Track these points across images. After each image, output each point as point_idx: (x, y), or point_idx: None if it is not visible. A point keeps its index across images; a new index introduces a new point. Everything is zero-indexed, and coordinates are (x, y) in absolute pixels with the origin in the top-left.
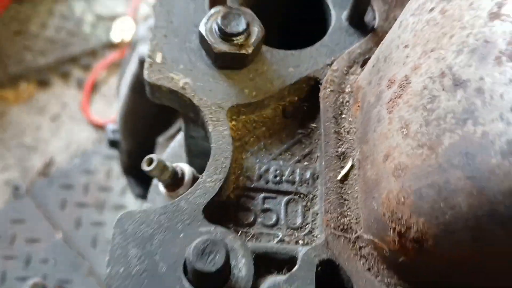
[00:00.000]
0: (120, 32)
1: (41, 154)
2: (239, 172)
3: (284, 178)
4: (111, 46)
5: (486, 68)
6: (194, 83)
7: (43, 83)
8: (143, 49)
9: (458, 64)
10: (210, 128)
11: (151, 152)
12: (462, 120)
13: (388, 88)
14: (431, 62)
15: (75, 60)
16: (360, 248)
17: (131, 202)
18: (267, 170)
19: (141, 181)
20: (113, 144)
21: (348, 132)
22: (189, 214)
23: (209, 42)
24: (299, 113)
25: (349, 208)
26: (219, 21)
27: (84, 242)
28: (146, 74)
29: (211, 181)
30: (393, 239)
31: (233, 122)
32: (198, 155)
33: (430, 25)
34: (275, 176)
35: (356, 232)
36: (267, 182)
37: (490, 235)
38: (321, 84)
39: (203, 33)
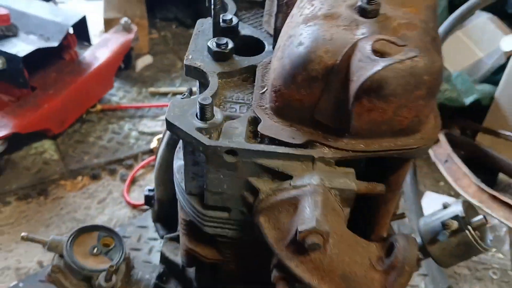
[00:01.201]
0: (156, 142)
1: None
2: (220, 95)
3: (240, 98)
4: (149, 152)
5: (296, 28)
6: (204, 65)
7: (95, 177)
8: None
9: (290, 31)
10: (209, 79)
11: (175, 200)
12: (289, 46)
13: (276, 51)
14: (286, 36)
15: (120, 161)
16: (266, 111)
17: (156, 259)
18: (233, 96)
19: (165, 226)
20: (147, 199)
21: (267, 79)
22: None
23: (211, 47)
24: (249, 79)
25: (263, 100)
26: (215, 40)
27: None
28: (185, 61)
29: (208, 93)
30: (273, 96)
31: (219, 81)
32: None
33: (287, 25)
34: (236, 98)
35: (265, 106)
36: (232, 99)
37: (295, 74)
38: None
39: (209, 44)
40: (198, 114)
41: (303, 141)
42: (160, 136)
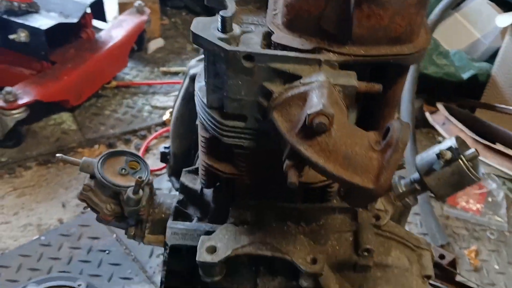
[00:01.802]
0: (169, 115)
1: None
2: (238, 18)
3: (254, 20)
4: (162, 124)
5: None
6: None
7: (111, 146)
8: (193, 71)
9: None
10: (228, 4)
11: (190, 154)
12: None
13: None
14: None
15: (135, 132)
16: (279, 26)
17: None
18: (248, 18)
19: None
20: (163, 155)
21: (278, 5)
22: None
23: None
24: (262, 8)
25: (276, 19)
26: None
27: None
28: None
29: (229, 10)
30: (284, 11)
31: (236, 7)
32: None
33: None
34: (252, 20)
35: (278, 23)
36: (248, 21)
37: None
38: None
39: None
40: (219, 27)
41: (311, 47)
42: (172, 110)
